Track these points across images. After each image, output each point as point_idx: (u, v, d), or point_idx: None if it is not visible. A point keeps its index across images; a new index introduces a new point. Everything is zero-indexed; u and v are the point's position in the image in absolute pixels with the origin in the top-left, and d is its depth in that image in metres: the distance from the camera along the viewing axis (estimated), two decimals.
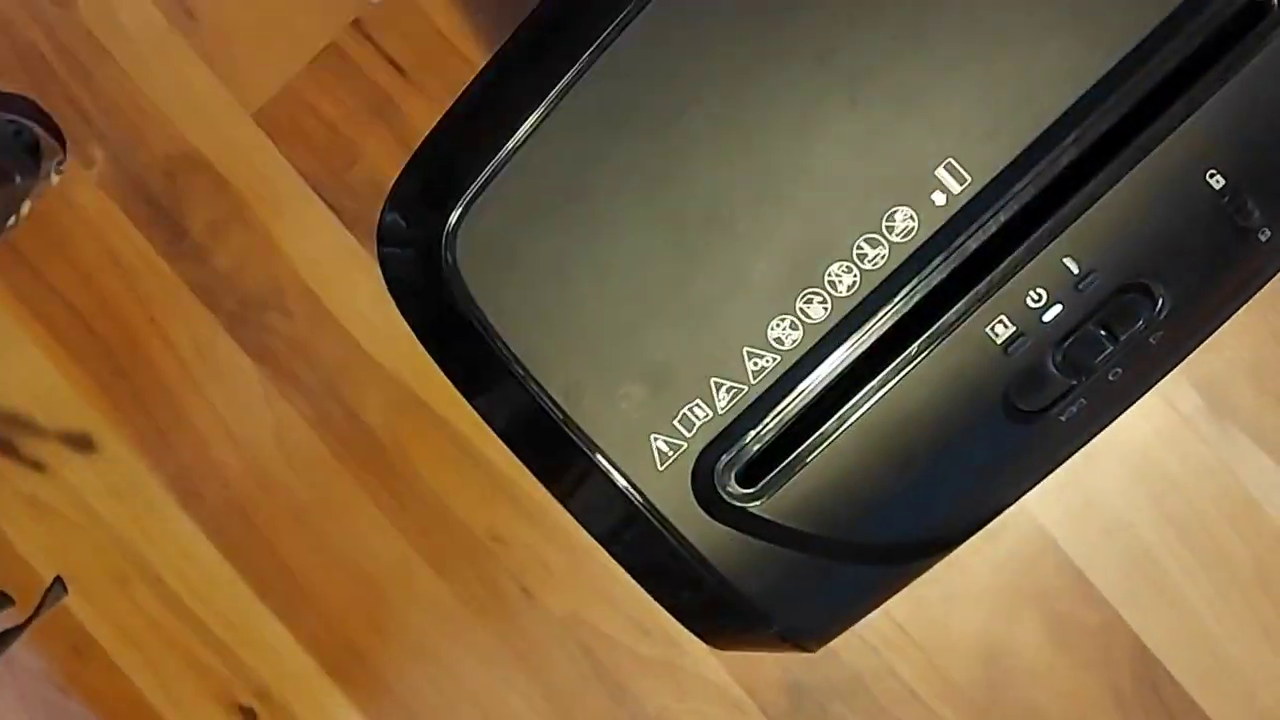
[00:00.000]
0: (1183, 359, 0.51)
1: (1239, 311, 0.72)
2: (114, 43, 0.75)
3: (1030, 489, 0.51)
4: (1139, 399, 0.51)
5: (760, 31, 0.46)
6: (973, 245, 0.47)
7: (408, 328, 0.49)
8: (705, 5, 0.46)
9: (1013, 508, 0.76)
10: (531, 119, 0.46)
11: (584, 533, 0.77)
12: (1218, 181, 0.46)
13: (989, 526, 0.76)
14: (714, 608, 0.50)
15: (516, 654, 0.79)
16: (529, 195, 0.47)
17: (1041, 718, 0.76)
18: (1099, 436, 0.73)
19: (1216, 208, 0.46)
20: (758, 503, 0.49)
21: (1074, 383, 0.48)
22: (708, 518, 0.48)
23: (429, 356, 0.49)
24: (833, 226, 0.47)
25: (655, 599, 0.51)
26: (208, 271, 0.78)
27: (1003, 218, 0.46)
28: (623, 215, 0.47)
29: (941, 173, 0.46)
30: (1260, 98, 0.46)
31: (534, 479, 0.77)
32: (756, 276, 0.47)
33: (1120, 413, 0.51)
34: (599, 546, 0.76)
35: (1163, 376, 0.51)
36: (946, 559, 0.76)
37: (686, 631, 0.80)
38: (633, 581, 0.78)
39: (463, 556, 0.79)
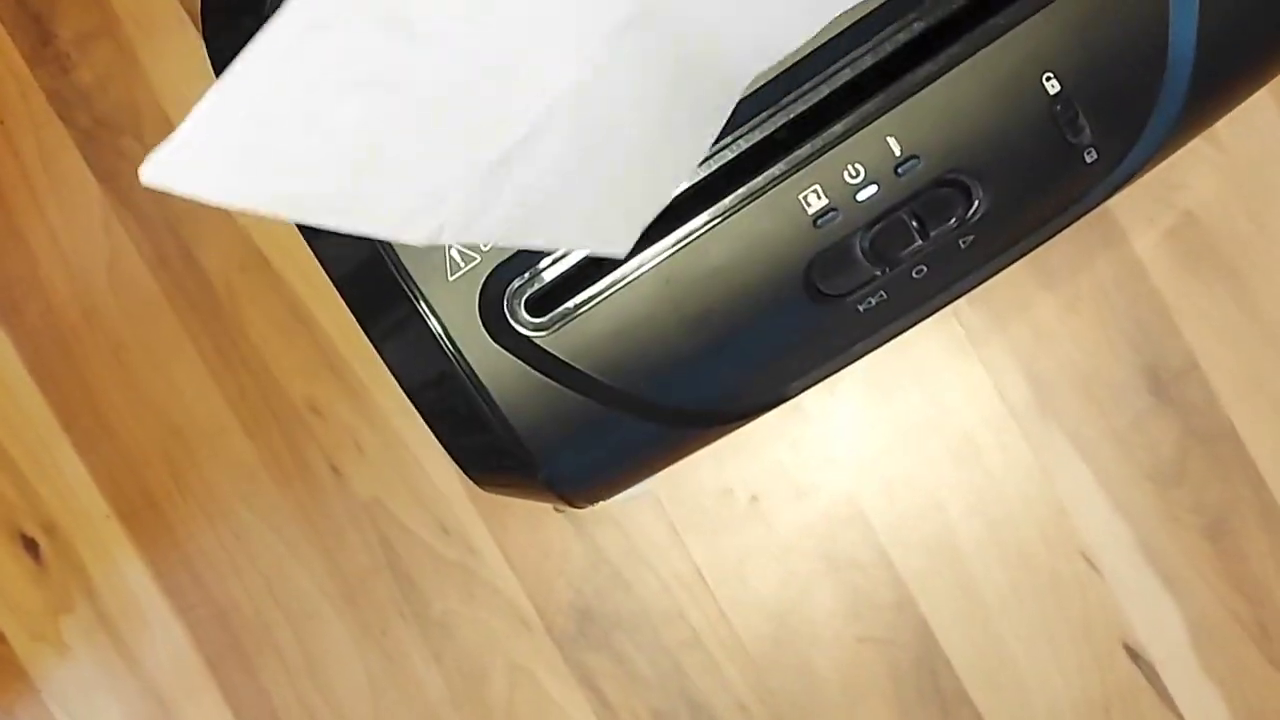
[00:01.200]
0: (987, 276, 0.49)
1: (1079, 315, 0.71)
2: None
3: (814, 381, 0.49)
4: (938, 308, 0.49)
5: None
6: (800, 107, 0.45)
7: None
8: None
9: (829, 473, 0.75)
10: None
11: (402, 420, 0.74)
12: (1053, 86, 0.44)
13: (801, 485, 0.74)
14: (484, 439, 0.47)
15: (313, 530, 0.75)
16: None
17: (817, 684, 0.74)
18: (923, 407, 0.72)
19: (1049, 115, 0.45)
20: (543, 334, 0.46)
21: (877, 272, 0.46)
22: (489, 338, 0.46)
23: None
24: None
25: (424, 417, 0.48)
26: (68, 83, 0.74)
27: (835, 82, 0.44)
28: None
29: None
30: (1111, 12, 0.44)
31: (363, 355, 0.74)
32: None
33: (917, 319, 0.49)
34: (417, 438, 0.73)
35: (965, 290, 0.49)
36: (754, 511, 0.74)
37: (486, 539, 0.77)
38: (440, 481, 0.76)
39: (277, 423, 0.75)
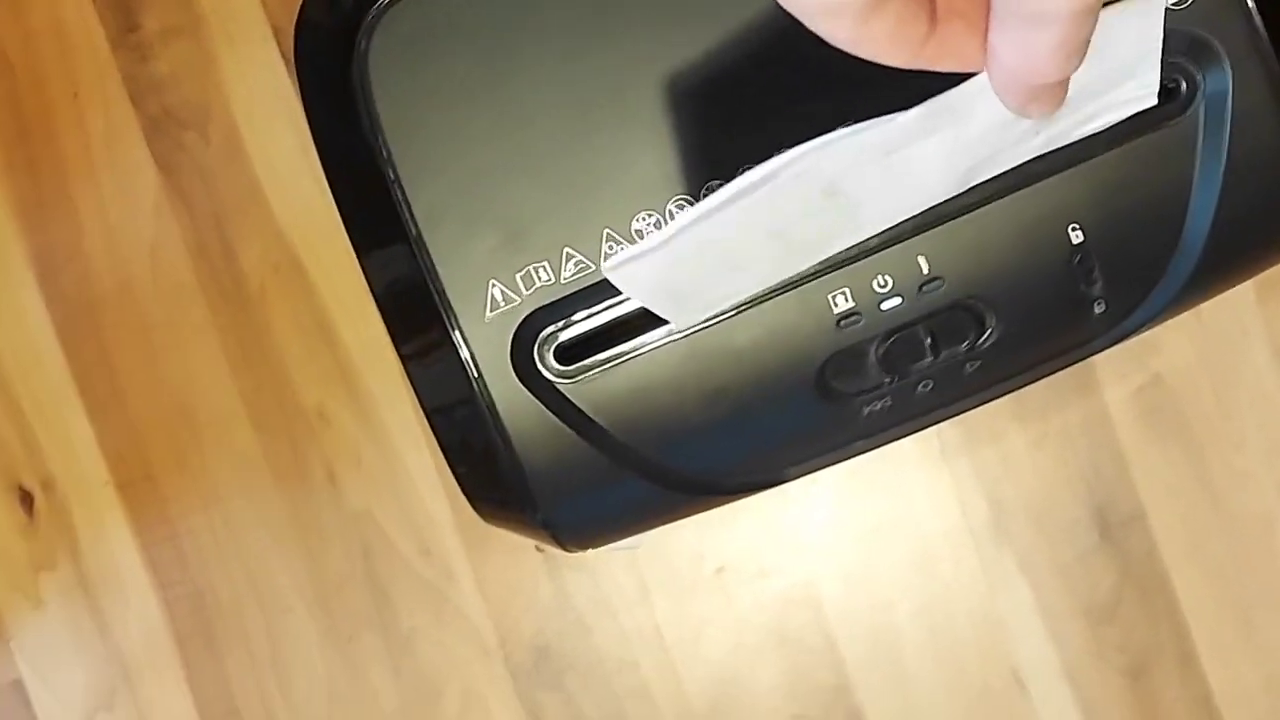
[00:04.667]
0: (984, 401, 0.49)
1: (1045, 451, 0.72)
2: None
3: (809, 470, 0.49)
4: (938, 421, 0.49)
5: None
6: None
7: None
8: None
9: (795, 556, 0.74)
10: None
11: (403, 440, 0.74)
12: (1077, 236, 0.45)
13: (766, 564, 0.74)
14: (492, 471, 0.47)
15: (300, 531, 0.74)
16: (461, 12, 0.44)
17: None
18: (893, 509, 0.72)
19: (1067, 262, 0.45)
20: (567, 382, 0.46)
21: (886, 379, 0.46)
22: (515, 379, 0.45)
23: (312, 141, 0.46)
24: (728, 146, 0.45)
25: (438, 441, 0.47)
26: (145, 71, 0.74)
27: None
28: (541, 63, 0.44)
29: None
30: (1138, 180, 0.45)
31: (378, 371, 0.73)
32: (641, 166, 0.45)
33: (916, 429, 0.49)
34: (415, 458, 0.73)
35: (962, 410, 0.49)
36: (718, 581, 0.74)
37: (465, 566, 0.76)
38: (430, 504, 0.75)
39: (284, 422, 0.74)
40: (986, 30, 0.28)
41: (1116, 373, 0.71)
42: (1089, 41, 0.27)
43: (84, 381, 0.75)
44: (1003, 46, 0.27)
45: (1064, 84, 0.28)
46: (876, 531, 0.72)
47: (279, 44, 0.73)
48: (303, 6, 0.46)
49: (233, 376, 0.74)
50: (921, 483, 0.72)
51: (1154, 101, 0.39)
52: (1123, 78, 0.38)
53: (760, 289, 0.44)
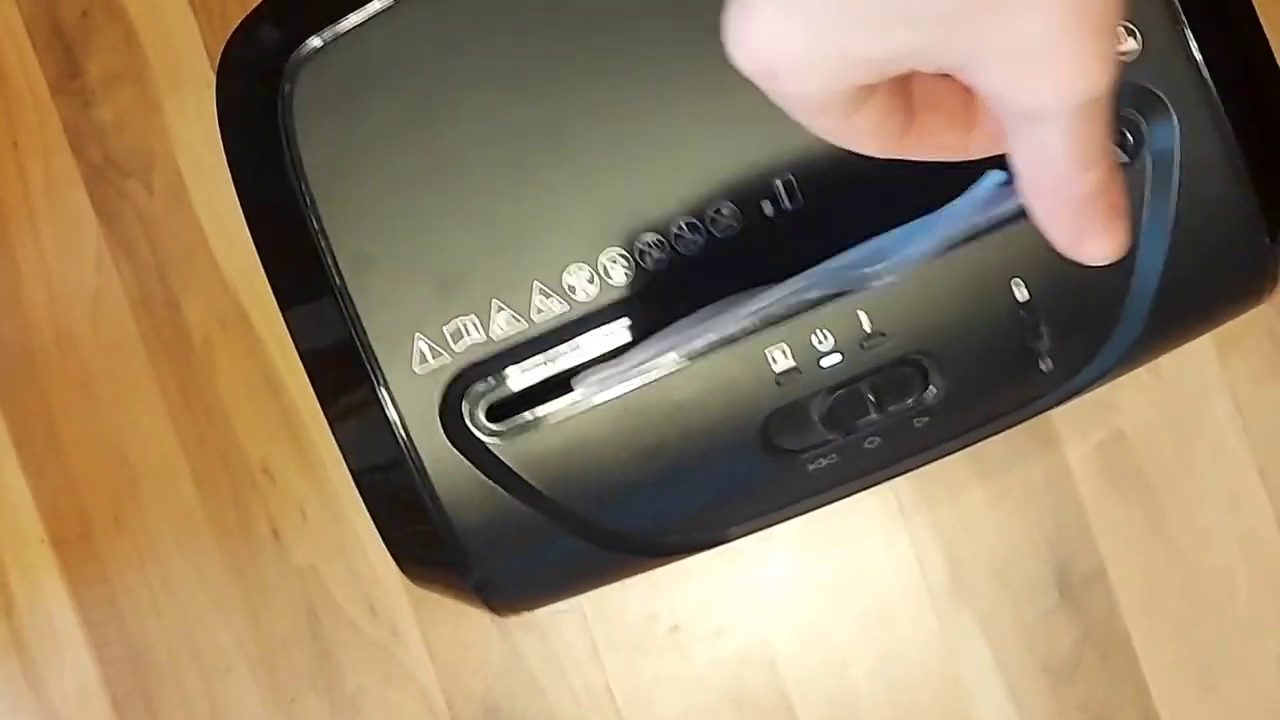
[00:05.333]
0: (934, 458, 0.47)
1: (1005, 507, 0.70)
2: None
3: (755, 529, 0.47)
4: (889, 478, 0.47)
5: None
6: (780, 265, 0.43)
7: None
8: None
9: (750, 613, 0.72)
10: None
11: (350, 496, 0.71)
12: (1022, 293, 0.43)
13: (721, 623, 0.72)
14: (421, 534, 0.45)
15: (243, 589, 0.71)
16: (390, 54, 0.42)
17: None
18: (848, 565, 0.70)
19: (1013, 318, 0.44)
20: (497, 440, 0.44)
21: (831, 437, 0.44)
22: (444, 437, 0.43)
23: (235, 191, 0.44)
24: (663, 196, 0.43)
25: (366, 502, 0.45)
26: (87, 119, 0.72)
27: (816, 250, 0.43)
28: (474, 108, 0.43)
29: (779, 185, 0.43)
30: None
31: (323, 424, 0.71)
32: (573, 218, 0.43)
33: (866, 486, 0.47)
34: (361, 514, 0.70)
35: (912, 467, 0.47)
36: (672, 640, 0.71)
37: (412, 625, 0.74)
38: (376, 561, 0.72)
39: (228, 477, 0.72)
40: (967, 123, 0.28)
41: (1077, 429, 0.70)
42: (1108, 143, 0.25)
43: (20, 434, 0.73)
44: (1018, 158, 0.26)
45: (1113, 210, 0.26)
46: (833, 589, 0.70)
47: None
48: (226, 45, 0.44)
49: (174, 430, 0.72)
50: (878, 539, 0.70)
51: None
52: None
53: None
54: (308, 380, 0.46)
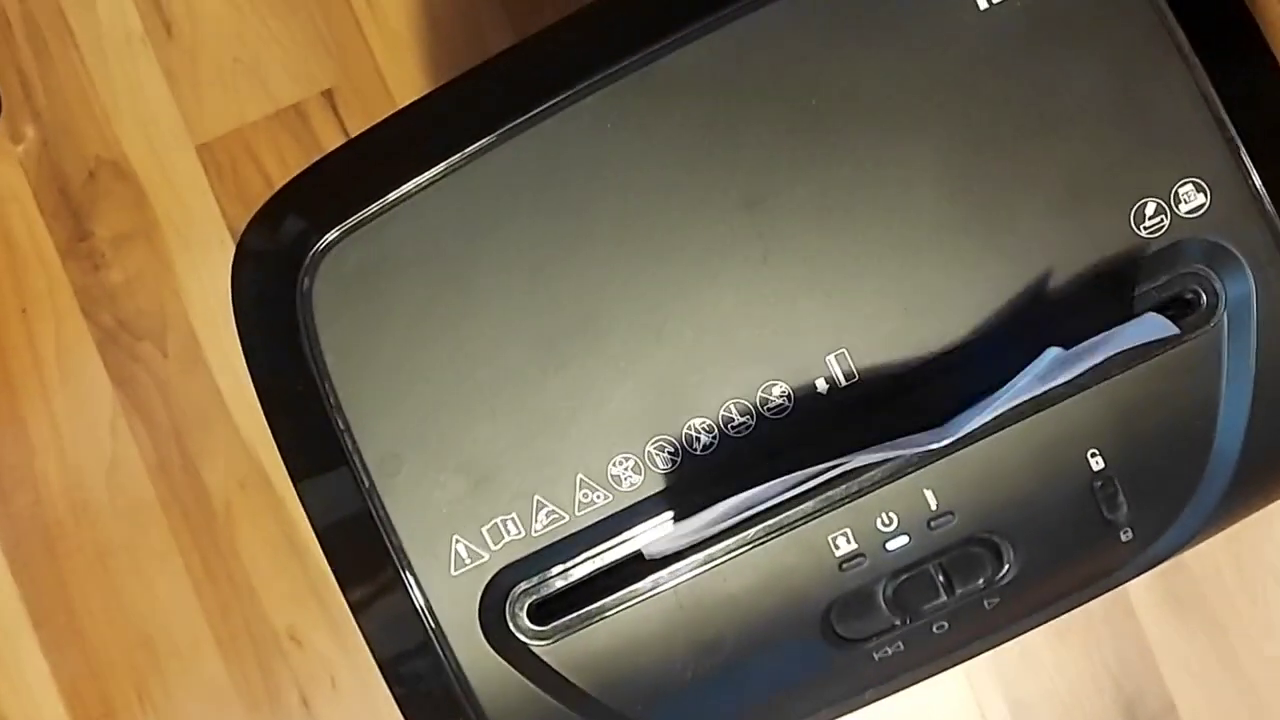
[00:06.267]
0: (1012, 637, 0.44)
1: (1067, 644, 0.66)
2: (82, 29, 0.68)
3: None
4: (958, 663, 0.43)
5: (697, 153, 0.40)
6: (836, 444, 0.40)
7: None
8: (651, 107, 0.40)
9: None
10: (439, 168, 0.39)
11: None
12: (1097, 463, 0.40)
13: None
14: None
15: None
16: (410, 246, 0.40)
17: None
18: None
19: (1088, 490, 0.40)
20: (543, 643, 0.40)
21: (897, 622, 0.41)
22: (485, 643, 0.40)
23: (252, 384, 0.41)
24: (707, 379, 0.40)
25: (403, 712, 0.42)
26: (97, 281, 0.69)
27: (878, 427, 0.40)
28: (499, 297, 0.40)
29: (831, 360, 0.40)
30: (1162, 398, 0.40)
31: None
32: (614, 405, 0.40)
33: (934, 673, 0.43)
34: None
35: (986, 649, 0.44)
36: None
37: None
38: None
39: (254, 647, 0.68)
40: None
41: None
42: None
43: (38, 613, 0.69)
44: None
45: None
46: None
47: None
48: (241, 239, 0.42)
49: (198, 600, 0.69)
50: (935, 684, 0.67)
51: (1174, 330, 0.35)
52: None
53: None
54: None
